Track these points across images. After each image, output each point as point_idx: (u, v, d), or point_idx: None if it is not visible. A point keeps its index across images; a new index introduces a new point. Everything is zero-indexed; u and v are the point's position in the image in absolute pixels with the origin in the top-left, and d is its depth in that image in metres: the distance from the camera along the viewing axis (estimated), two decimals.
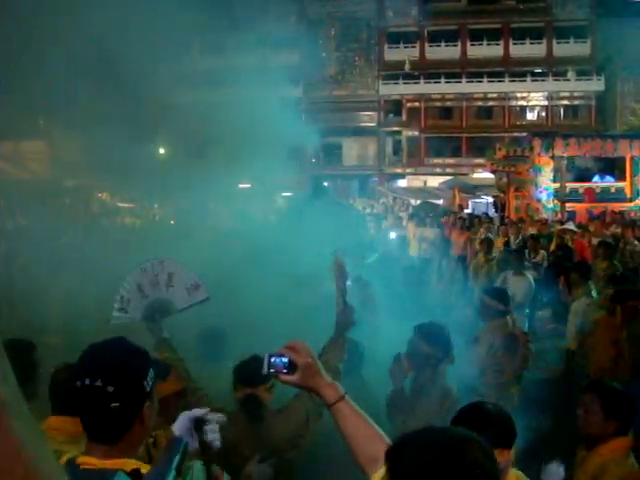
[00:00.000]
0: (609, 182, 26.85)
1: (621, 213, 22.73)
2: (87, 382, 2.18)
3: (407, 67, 53.64)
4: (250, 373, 4.10)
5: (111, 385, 2.17)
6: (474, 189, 33.88)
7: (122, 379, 2.21)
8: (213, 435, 2.46)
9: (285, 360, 2.26)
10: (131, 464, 2.16)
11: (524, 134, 31.06)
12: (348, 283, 4.75)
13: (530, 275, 10.80)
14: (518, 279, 10.57)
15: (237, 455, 3.95)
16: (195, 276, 4.85)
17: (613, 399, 3.91)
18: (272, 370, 2.28)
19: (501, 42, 54.50)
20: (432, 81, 54.86)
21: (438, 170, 52.90)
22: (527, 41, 53.95)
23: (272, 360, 2.27)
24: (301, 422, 4.05)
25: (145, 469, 2.15)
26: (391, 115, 56.45)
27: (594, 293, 9.30)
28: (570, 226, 17.13)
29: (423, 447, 1.57)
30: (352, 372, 4.81)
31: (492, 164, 28.13)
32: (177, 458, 2.09)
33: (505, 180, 26.81)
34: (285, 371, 2.26)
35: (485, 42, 54.51)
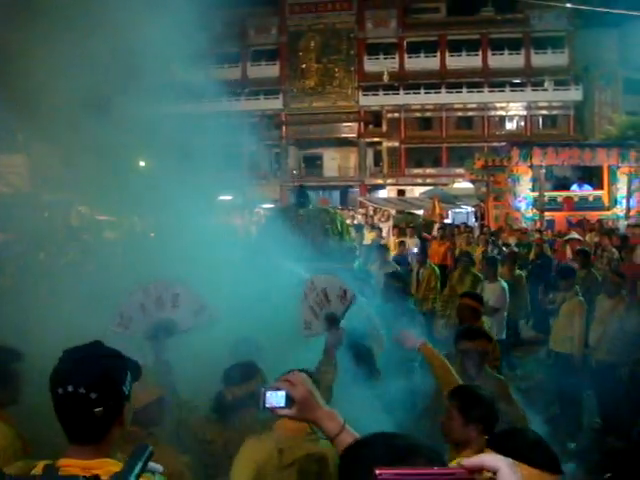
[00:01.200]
0: (587, 191, 27.06)
1: (599, 221, 22.96)
2: (70, 389, 2.20)
3: (385, 78, 53.89)
4: (229, 373, 4.30)
5: (94, 392, 2.21)
6: (454, 199, 34.04)
7: (104, 385, 2.25)
8: None
9: (281, 394, 2.20)
10: (111, 464, 2.21)
11: (503, 144, 31.24)
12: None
13: (504, 282, 10.91)
14: (491, 286, 10.71)
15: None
16: (201, 299, 4.93)
17: (472, 404, 3.89)
18: (268, 405, 2.21)
19: (480, 53, 54.96)
20: (412, 92, 55.19)
21: (419, 180, 53.21)
22: (505, 52, 54.45)
23: (268, 395, 2.21)
24: None
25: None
26: (371, 126, 56.69)
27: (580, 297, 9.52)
28: (574, 235, 17.19)
29: (377, 446, 1.59)
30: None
31: (471, 174, 28.31)
32: (139, 465, 2.09)
33: (484, 190, 26.98)
34: (282, 405, 2.20)
35: (464, 53, 54.96)
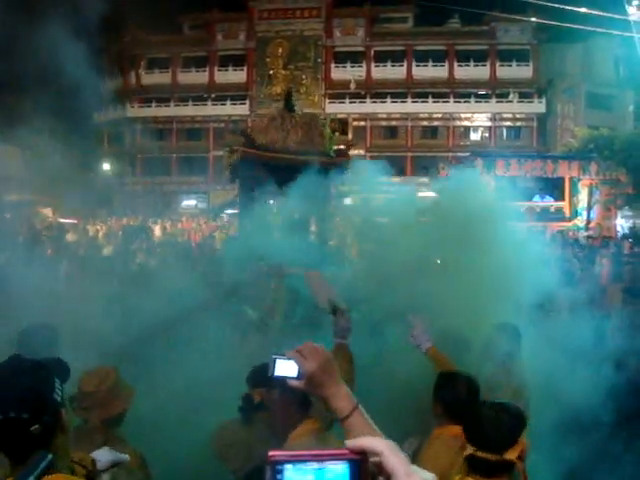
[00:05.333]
0: (549, 202, 27.35)
1: (561, 232, 23.27)
2: (0, 417, 2.10)
3: (352, 86, 54.10)
4: (254, 374, 4.16)
5: (25, 412, 2.11)
6: None
7: (33, 403, 2.14)
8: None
9: (292, 364, 2.00)
10: (62, 478, 2.13)
11: (468, 154, 31.47)
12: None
13: None
14: None
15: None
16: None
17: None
18: (278, 374, 2.01)
19: (446, 63, 55.43)
20: (378, 100, 55.46)
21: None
22: (471, 63, 54.99)
23: (278, 363, 2.02)
24: None
25: None
26: (337, 134, 56.64)
27: None
28: None
29: None
30: None
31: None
32: (34, 474, 2.04)
33: None
34: (294, 376, 2.00)
35: (430, 63, 55.36)
